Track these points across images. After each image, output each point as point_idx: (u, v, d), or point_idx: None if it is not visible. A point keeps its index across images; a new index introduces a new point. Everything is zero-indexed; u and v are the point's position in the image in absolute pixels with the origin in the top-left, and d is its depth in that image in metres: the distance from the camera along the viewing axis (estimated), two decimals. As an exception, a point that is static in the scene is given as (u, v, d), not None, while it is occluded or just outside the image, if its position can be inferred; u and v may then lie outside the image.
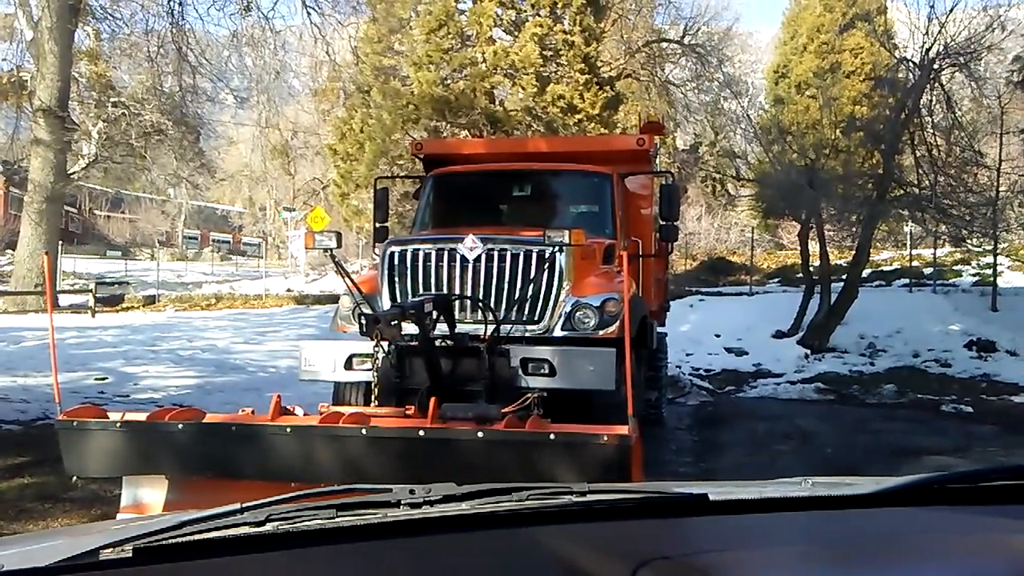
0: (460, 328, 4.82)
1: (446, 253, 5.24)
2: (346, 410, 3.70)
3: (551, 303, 5.17)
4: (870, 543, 1.23)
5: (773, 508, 1.34)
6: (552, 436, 3.17)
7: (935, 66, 12.67)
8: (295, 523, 1.18)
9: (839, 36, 30.26)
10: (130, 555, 1.12)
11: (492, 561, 1.17)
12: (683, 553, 1.13)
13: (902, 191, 13.87)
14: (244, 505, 1.23)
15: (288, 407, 3.74)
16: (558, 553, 1.14)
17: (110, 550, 1.13)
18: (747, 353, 13.67)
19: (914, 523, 1.32)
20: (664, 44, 28.39)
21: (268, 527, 1.18)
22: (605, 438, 3.08)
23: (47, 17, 17.88)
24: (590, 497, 1.27)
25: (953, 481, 1.46)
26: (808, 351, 13.45)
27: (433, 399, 3.57)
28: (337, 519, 1.19)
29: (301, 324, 16.33)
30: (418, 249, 5.32)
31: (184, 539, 1.15)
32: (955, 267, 19.48)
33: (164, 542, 1.14)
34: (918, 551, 1.20)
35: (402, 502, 1.25)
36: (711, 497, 1.30)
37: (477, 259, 5.17)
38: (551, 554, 1.14)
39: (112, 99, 22.69)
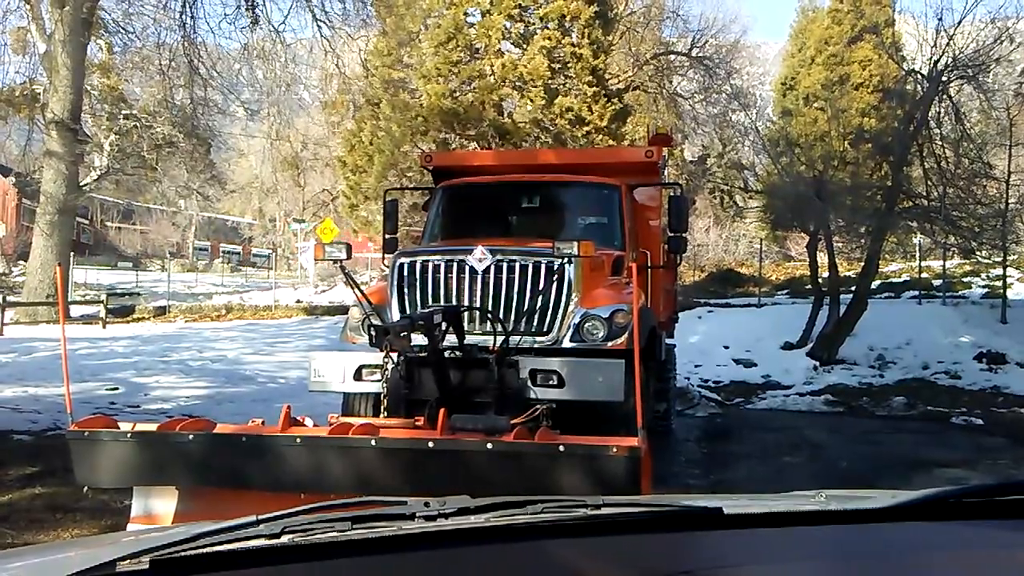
0: (469, 339, 4.83)
1: (455, 264, 5.26)
2: (355, 421, 3.70)
3: (560, 314, 5.17)
4: (887, 559, 1.22)
5: (788, 522, 1.33)
6: (561, 448, 3.16)
7: (943, 78, 12.65)
8: (311, 535, 1.18)
9: (847, 48, 30.26)
10: (147, 567, 1.13)
11: (508, 574, 1.17)
12: (702, 568, 1.13)
13: (911, 203, 13.83)
14: (260, 517, 1.23)
15: (298, 418, 3.75)
16: (575, 566, 1.14)
17: (127, 562, 1.14)
18: (756, 365, 13.62)
19: (931, 538, 1.32)
20: (672, 56, 28.45)
21: (284, 539, 1.18)
22: (615, 450, 3.06)
23: (60, 30, 18.07)
24: (605, 510, 1.26)
25: (968, 495, 1.45)
26: (817, 363, 13.39)
27: (442, 410, 3.57)
28: (352, 532, 1.20)
29: (310, 335, 16.36)
30: (427, 260, 5.34)
31: (200, 551, 1.15)
32: (964, 279, 19.38)
33: (180, 554, 1.14)
34: (935, 567, 1.20)
35: (417, 515, 1.25)
36: (725, 511, 1.30)
37: (486, 270, 5.19)
38: (568, 567, 1.14)
39: (124, 112, 22.91)
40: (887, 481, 6.31)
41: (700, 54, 27.47)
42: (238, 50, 21.51)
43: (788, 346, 14.26)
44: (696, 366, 13.25)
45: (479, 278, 5.20)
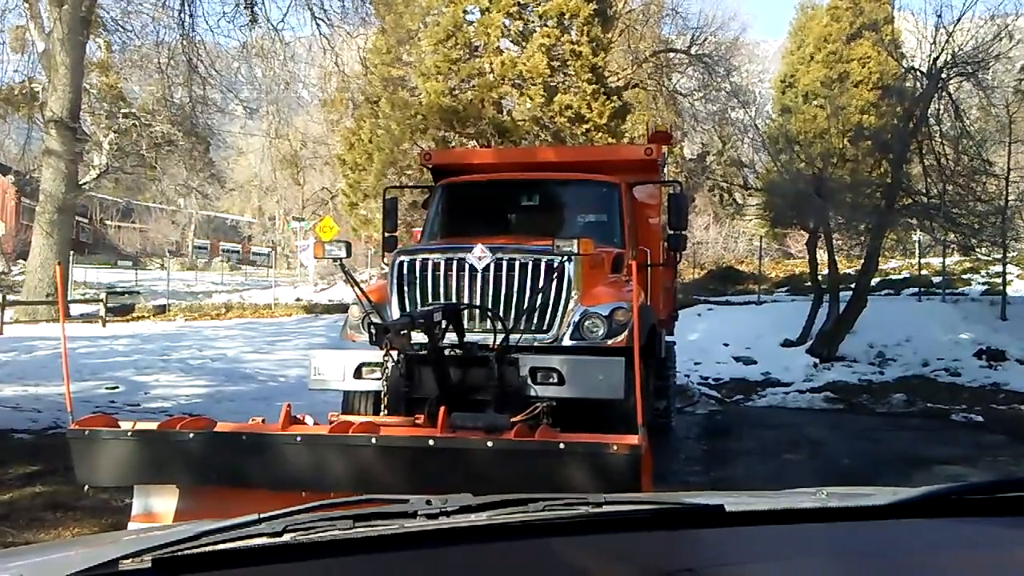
0: (469, 337, 4.83)
1: (455, 262, 5.26)
2: (356, 419, 3.70)
3: (560, 312, 5.17)
4: (888, 556, 1.22)
5: (790, 519, 1.33)
6: (562, 446, 3.16)
7: (943, 75, 12.65)
8: (312, 534, 1.18)
9: (846, 46, 30.25)
10: (149, 566, 1.13)
11: (510, 572, 1.17)
12: (704, 565, 1.13)
13: (910, 200, 13.84)
14: (261, 516, 1.23)
15: (298, 416, 3.75)
16: (577, 564, 1.14)
17: (129, 561, 1.14)
18: (756, 362, 13.63)
19: (932, 536, 1.32)
20: (671, 54, 28.44)
21: (286, 537, 1.18)
22: (615, 447, 3.06)
23: (59, 29, 18.05)
24: (606, 508, 1.27)
25: (969, 492, 1.45)
26: (817, 360, 13.40)
27: (442, 408, 3.57)
28: (354, 530, 1.20)
29: (310, 333, 16.36)
30: (427, 259, 5.34)
31: (202, 550, 1.15)
32: (964, 276, 19.38)
33: (183, 553, 1.14)
34: (936, 564, 1.20)
35: (419, 513, 1.25)
36: (727, 508, 1.30)
37: (486, 268, 5.19)
38: (570, 565, 1.15)
39: (123, 110, 22.91)
40: (887, 478, 6.31)
41: (699, 51, 27.46)
42: (237, 48, 21.50)
43: (788, 343, 14.26)
44: (696, 364, 13.26)
45: (479, 276, 5.20)
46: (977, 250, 15.82)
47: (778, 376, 12.91)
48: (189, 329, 17.64)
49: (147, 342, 14.43)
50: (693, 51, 27.48)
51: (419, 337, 4.37)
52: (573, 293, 5.20)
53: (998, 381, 12.16)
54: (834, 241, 14.96)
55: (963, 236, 14.13)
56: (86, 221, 44.55)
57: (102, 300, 20.00)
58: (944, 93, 12.90)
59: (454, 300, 5.16)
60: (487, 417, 3.73)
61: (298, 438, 3.36)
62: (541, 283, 5.13)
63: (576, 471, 3.10)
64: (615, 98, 21.23)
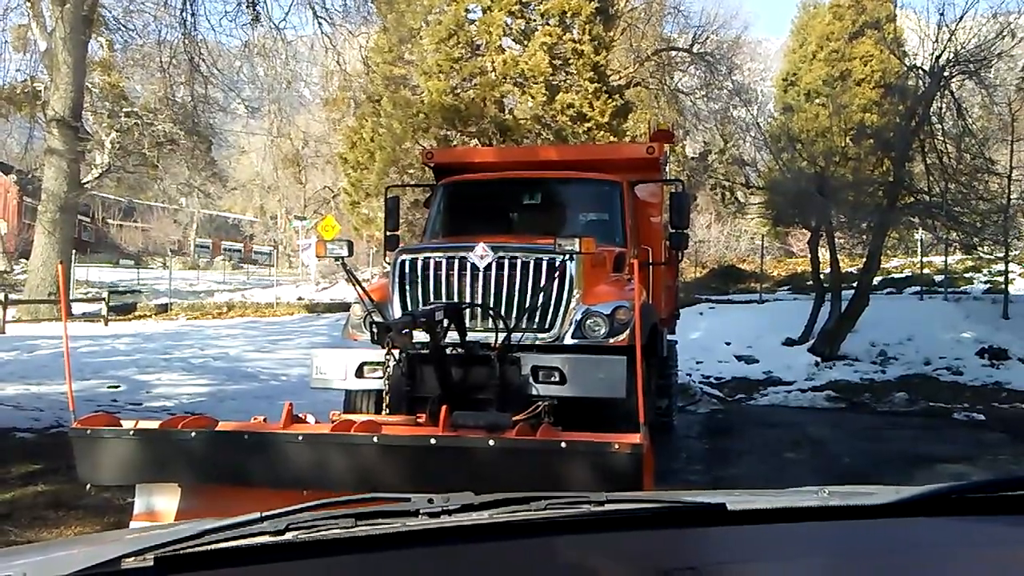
0: (471, 336, 4.83)
1: (457, 261, 5.25)
2: (357, 418, 3.69)
3: (562, 311, 5.17)
4: (890, 554, 1.22)
5: (791, 518, 1.34)
6: (563, 444, 3.16)
7: (945, 73, 12.64)
8: (315, 532, 1.19)
9: (848, 44, 30.22)
10: (151, 564, 1.13)
11: (513, 571, 1.17)
12: (707, 564, 1.13)
13: (913, 198, 13.83)
14: (264, 514, 1.24)
15: (300, 415, 3.75)
16: (579, 563, 1.14)
17: (131, 559, 1.14)
18: (757, 361, 13.63)
19: (933, 534, 1.32)
20: (673, 52, 28.41)
21: (288, 536, 1.18)
22: (616, 446, 3.06)
23: (61, 28, 18.07)
24: (608, 506, 1.27)
25: (971, 491, 1.45)
26: (819, 359, 13.39)
27: (444, 407, 3.57)
28: (356, 528, 1.20)
29: (312, 332, 16.38)
30: (429, 257, 5.33)
31: (205, 548, 1.15)
32: (966, 274, 19.36)
33: (185, 551, 1.15)
34: (938, 563, 1.20)
35: (421, 511, 1.25)
36: (728, 507, 1.30)
37: (488, 267, 5.18)
38: (572, 563, 1.15)
39: (125, 109, 22.93)
40: (889, 477, 6.31)
41: (701, 50, 27.43)
42: (239, 47, 21.50)
43: (790, 342, 14.25)
44: (698, 362, 13.26)
45: (480, 275, 5.19)
46: (979, 249, 15.79)
47: (780, 375, 12.91)
48: (191, 328, 17.66)
49: (149, 341, 14.45)
50: (695, 49, 27.45)
51: (421, 336, 4.37)
52: (575, 292, 5.19)
53: (1000, 380, 12.16)
54: (836, 240, 14.94)
55: (965, 235, 14.12)
56: (88, 220, 44.58)
57: (104, 299, 20.05)
58: (946, 91, 12.88)
59: (456, 299, 5.15)
60: (489, 416, 3.73)
61: (300, 437, 3.36)
62: (543, 282, 5.12)
63: (578, 470, 3.10)
64: (617, 97, 21.22)
